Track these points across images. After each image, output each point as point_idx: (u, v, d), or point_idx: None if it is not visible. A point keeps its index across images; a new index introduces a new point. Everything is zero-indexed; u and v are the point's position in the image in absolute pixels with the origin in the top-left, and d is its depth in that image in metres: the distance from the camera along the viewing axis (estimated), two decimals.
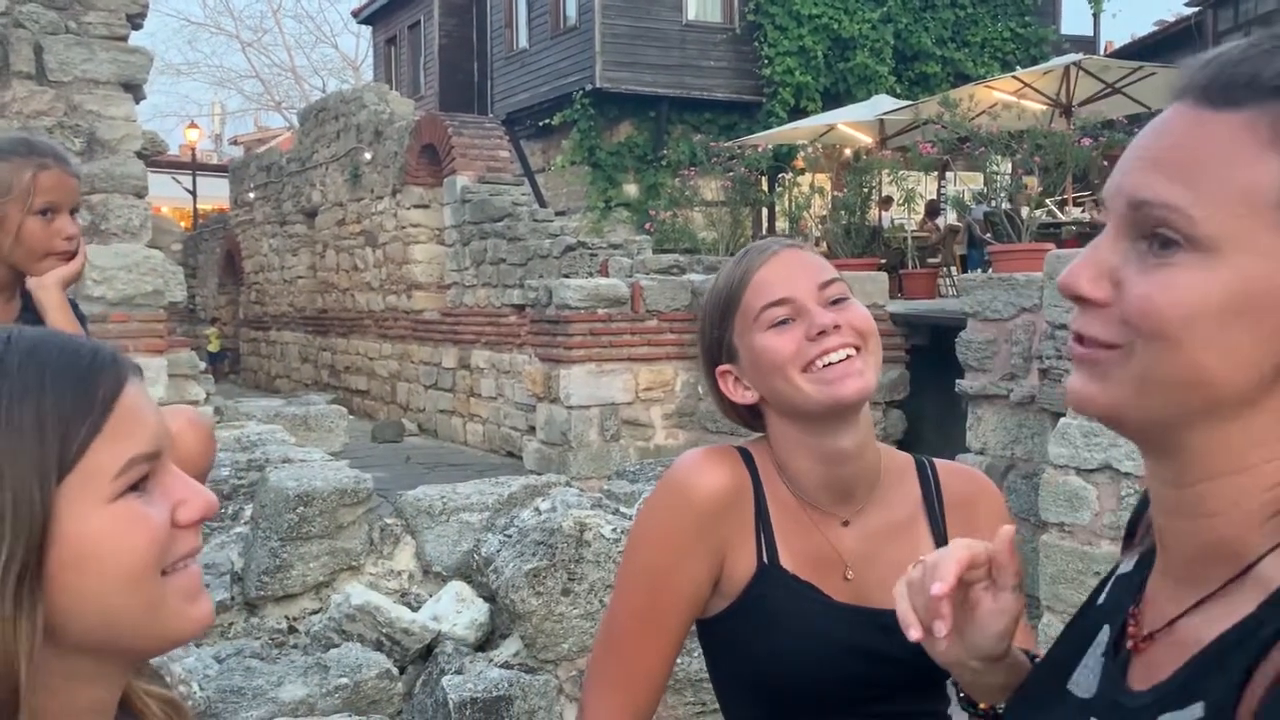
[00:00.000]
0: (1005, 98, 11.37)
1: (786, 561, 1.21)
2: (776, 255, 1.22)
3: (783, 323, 1.19)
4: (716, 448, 1.27)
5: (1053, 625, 4.07)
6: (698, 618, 1.26)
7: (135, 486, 0.67)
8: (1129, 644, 0.71)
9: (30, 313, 2.04)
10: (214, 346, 18.72)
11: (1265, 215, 0.61)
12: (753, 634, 1.21)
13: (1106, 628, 0.75)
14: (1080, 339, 0.68)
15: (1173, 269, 0.62)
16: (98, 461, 0.65)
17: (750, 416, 1.28)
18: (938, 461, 1.32)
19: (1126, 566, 0.78)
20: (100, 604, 0.66)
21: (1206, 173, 0.62)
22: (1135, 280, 0.64)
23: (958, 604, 0.82)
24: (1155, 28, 19.68)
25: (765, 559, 1.21)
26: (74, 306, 2.17)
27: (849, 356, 1.17)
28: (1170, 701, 0.64)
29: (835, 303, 1.20)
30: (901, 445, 7.85)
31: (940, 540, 1.25)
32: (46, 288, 1.97)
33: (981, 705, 0.93)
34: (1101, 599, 0.79)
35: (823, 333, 1.16)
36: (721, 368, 1.26)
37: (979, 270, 11.44)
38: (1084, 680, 0.74)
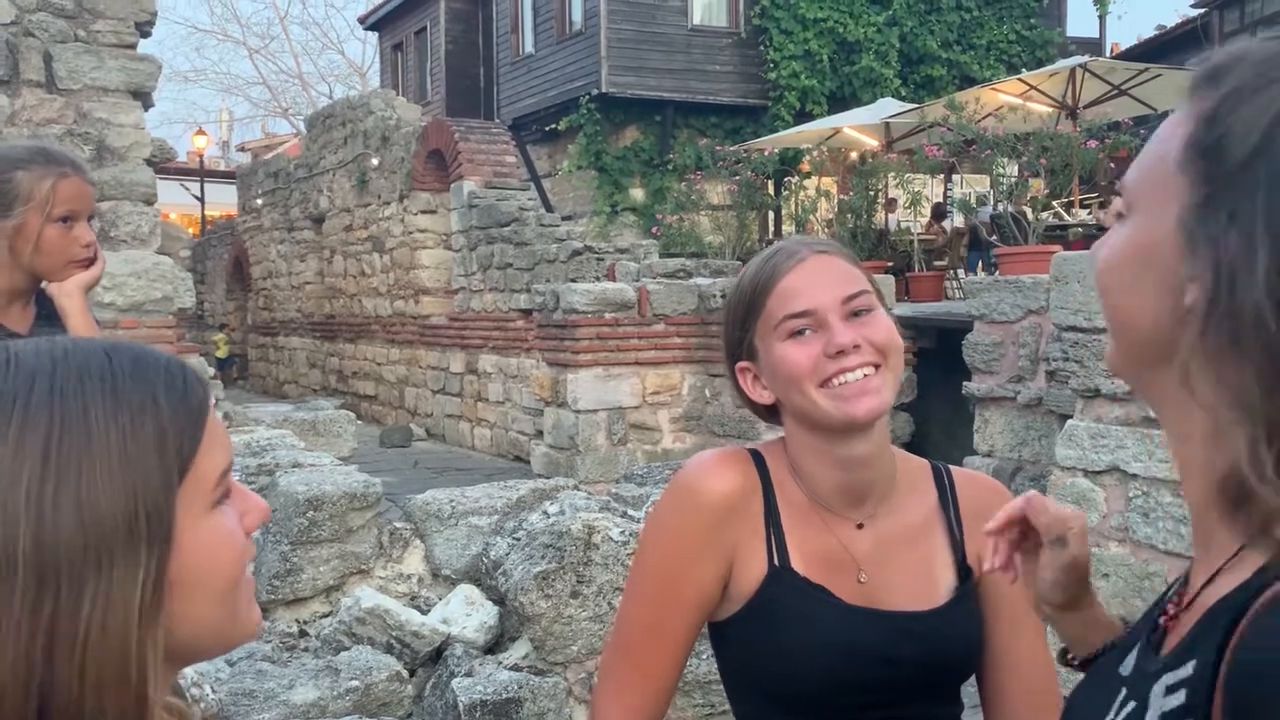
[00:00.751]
0: (1011, 100, 11.37)
1: (798, 564, 1.21)
2: (804, 262, 1.20)
3: (802, 333, 1.18)
4: (727, 450, 1.27)
5: None
6: (709, 620, 1.25)
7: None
8: (1163, 620, 0.75)
9: (45, 319, 2.05)
10: (222, 352, 18.79)
11: (1165, 178, 0.70)
12: (764, 637, 1.20)
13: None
14: None
15: (1110, 234, 0.74)
16: (202, 471, 0.66)
17: (769, 413, 1.28)
18: (954, 468, 1.31)
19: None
20: (200, 614, 0.67)
21: (1145, 150, 0.73)
22: None
23: (1031, 555, 0.99)
24: (1156, 31, 19.67)
25: (776, 561, 1.20)
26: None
27: (866, 375, 1.16)
28: (1173, 663, 0.68)
29: (859, 314, 1.18)
30: (909, 448, 7.82)
31: (957, 546, 1.24)
32: (70, 294, 1.99)
33: (1070, 655, 1.02)
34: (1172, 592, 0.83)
35: (842, 351, 1.15)
36: (742, 364, 1.25)
37: (979, 271, 11.45)
38: (1131, 661, 0.77)
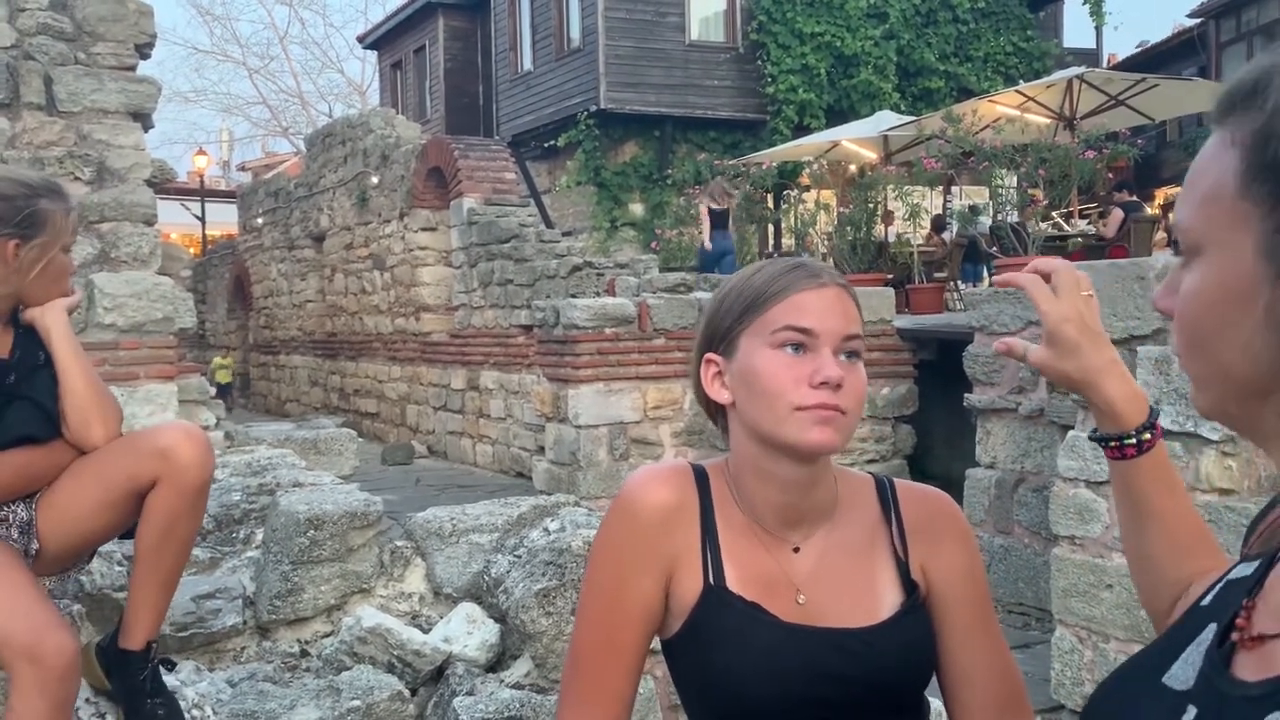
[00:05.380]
0: (1009, 112, 11.40)
1: (733, 583, 1.20)
2: (824, 288, 1.20)
3: (796, 349, 1.18)
4: (666, 464, 1.28)
5: (1065, 639, 4.06)
6: (660, 638, 1.26)
7: None
8: (1234, 636, 0.71)
9: (21, 338, 2.09)
10: (224, 378, 18.10)
11: (1228, 210, 0.66)
12: (704, 656, 1.20)
13: (1213, 625, 0.75)
14: None
15: (1183, 279, 0.69)
16: None
17: (717, 412, 1.27)
18: (898, 482, 1.31)
19: (1243, 571, 0.79)
20: None
21: (1190, 187, 0.69)
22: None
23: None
24: (1137, 47, 19.72)
25: (711, 579, 1.20)
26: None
27: (835, 414, 1.17)
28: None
29: (850, 357, 1.19)
30: (912, 460, 7.87)
31: (900, 561, 1.24)
32: (58, 311, 2.08)
33: (1097, 431, 1.10)
34: (1207, 600, 0.80)
35: (826, 383, 1.16)
36: (710, 356, 1.24)
37: (973, 283, 11.45)
38: (1182, 674, 0.74)
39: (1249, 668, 0.69)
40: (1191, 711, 0.70)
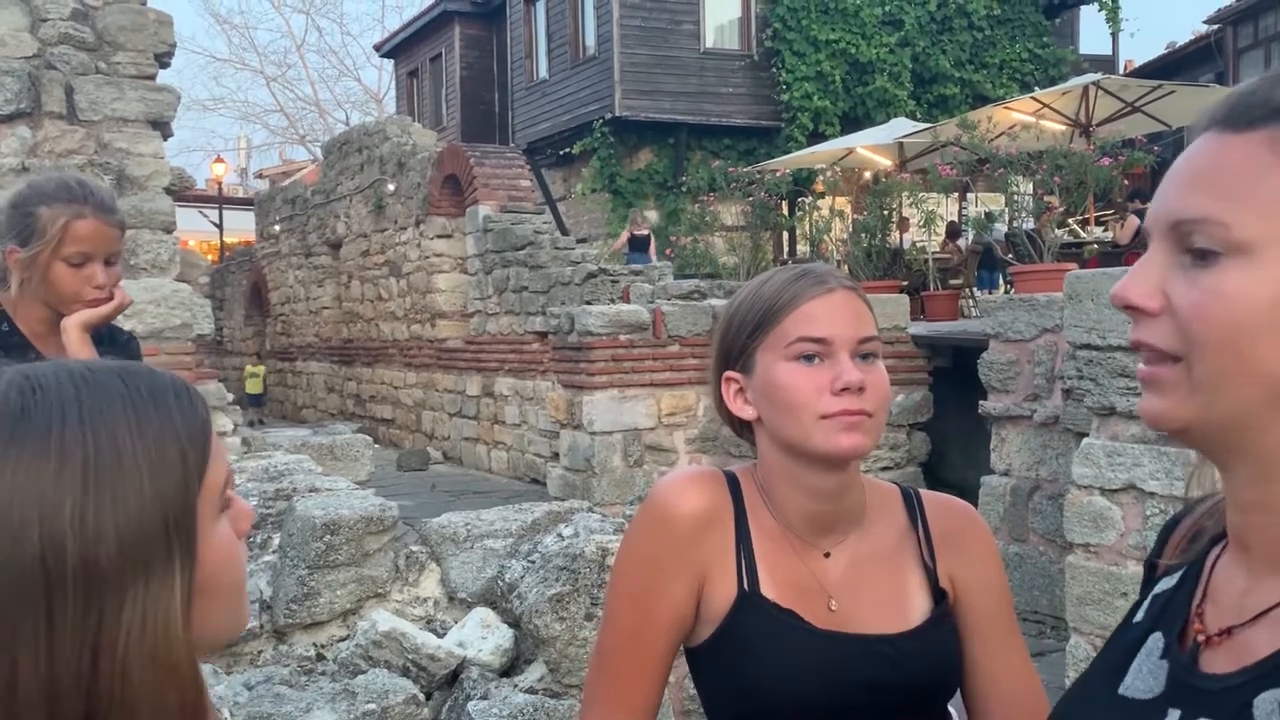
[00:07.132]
0: (1024, 118, 11.37)
1: (767, 589, 1.20)
2: (832, 294, 1.20)
3: (811, 359, 1.18)
4: (699, 470, 1.28)
5: (1080, 647, 4.05)
6: (685, 645, 1.25)
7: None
8: (1199, 639, 0.73)
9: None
10: (254, 387, 17.67)
11: None
12: (735, 662, 1.19)
13: (1159, 634, 0.76)
14: (1142, 353, 0.72)
15: (1219, 276, 0.66)
16: (211, 482, 0.69)
17: (742, 427, 1.27)
18: (924, 492, 1.31)
19: (1167, 584, 0.80)
20: (215, 615, 0.70)
21: (1234, 185, 0.67)
22: (1184, 291, 0.68)
23: None
24: (1166, 49, 19.63)
25: (745, 586, 1.20)
26: (131, 338, 2.21)
27: (861, 416, 1.17)
28: (1273, 679, 0.66)
29: (867, 358, 1.19)
30: (926, 467, 7.85)
31: (928, 569, 1.24)
32: (67, 330, 2.00)
33: None
34: (1139, 616, 0.81)
35: (847, 389, 1.16)
36: (729, 374, 1.24)
37: (988, 290, 11.42)
38: (1141, 684, 0.75)
39: (1219, 663, 0.71)
40: (1175, 715, 0.71)
